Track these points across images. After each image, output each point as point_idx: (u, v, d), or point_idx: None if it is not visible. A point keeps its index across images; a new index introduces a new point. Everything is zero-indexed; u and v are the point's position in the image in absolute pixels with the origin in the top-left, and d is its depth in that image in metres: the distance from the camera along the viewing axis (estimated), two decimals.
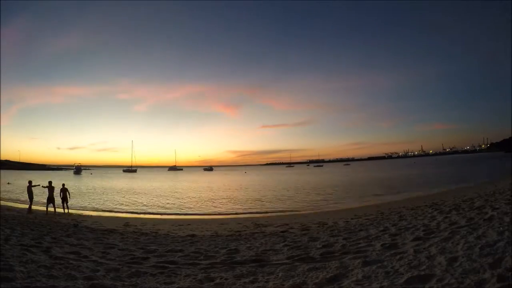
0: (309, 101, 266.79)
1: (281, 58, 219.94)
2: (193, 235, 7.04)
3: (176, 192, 24.30)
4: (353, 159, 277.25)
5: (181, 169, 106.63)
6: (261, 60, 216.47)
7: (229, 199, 18.39)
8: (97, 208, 15.27)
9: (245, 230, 7.63)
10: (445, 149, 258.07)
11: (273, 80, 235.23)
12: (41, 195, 18.41)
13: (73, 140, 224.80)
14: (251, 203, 16.37)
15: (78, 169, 75.32)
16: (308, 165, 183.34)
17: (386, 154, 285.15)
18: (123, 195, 21.74)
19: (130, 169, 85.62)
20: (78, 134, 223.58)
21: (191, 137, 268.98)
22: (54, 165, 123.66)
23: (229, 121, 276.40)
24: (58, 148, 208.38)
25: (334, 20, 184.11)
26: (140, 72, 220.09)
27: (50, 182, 12.79)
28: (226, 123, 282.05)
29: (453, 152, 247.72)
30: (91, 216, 11.91)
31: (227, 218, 11.45)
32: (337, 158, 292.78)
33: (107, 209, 15.00)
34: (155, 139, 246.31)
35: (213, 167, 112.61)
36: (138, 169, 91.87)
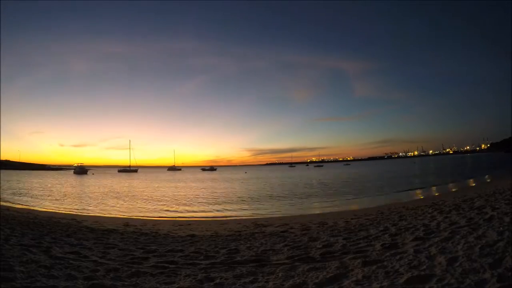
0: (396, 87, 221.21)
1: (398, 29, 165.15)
2: (193, 235, 7.04)
3: None
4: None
5: (180, 169, 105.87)
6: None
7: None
8: None
9: (245, 230, 7.63)
10: (445, 149, 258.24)
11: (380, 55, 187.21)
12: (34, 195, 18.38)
13: (79, 135, 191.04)
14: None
15: (81, 169, 69.52)
16: (308, 165, 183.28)
17: (386, 154, 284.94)
18: None
19: (128, 169, 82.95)
20: (87, 128, 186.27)
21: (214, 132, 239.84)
22: (54, 165, 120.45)
23: (289, 109, 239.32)
24: (61, 145, 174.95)
25: None
26: (213, 26, 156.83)
27: None
28: (283, 112, 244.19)
29: (453, 152, 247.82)
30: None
31: (227, 218, 11.45)
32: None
33: None
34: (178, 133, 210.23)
35: (215, 167, 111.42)
36: (139, 169, 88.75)
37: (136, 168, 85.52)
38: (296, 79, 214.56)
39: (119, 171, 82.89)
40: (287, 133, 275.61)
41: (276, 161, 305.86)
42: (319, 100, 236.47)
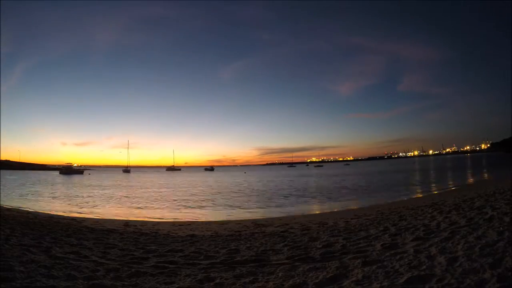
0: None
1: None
2: (193, 235, 7.04)
3: None
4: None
5: (179, 169, 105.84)
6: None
7: None
8: None
9: (245, 230, 7.63)
10: (445, 149, 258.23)
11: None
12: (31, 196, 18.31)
13: (82, 132, 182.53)
14: None
15: (67, 169, 64.50)
16: (308, 165, 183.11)
17: (386, 154, 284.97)
18: None
19: (126, 169, 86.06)
20: (90, 125, 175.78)
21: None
22: (54, 165, 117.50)
23: (326, 103, 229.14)
24: (63, 144, 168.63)
25: None
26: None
27: None
28: (317, 106, 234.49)
29: (453, 152, 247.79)
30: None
31: (227, 218, 11.45)
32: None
33: None
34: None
35: (213, 167, 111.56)
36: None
37: (129, 169, 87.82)
38: (350, 66, 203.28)
39: (123, 171, 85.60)
40: (307, 130, 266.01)
41: (277, 161, 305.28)
42: (361, 93, 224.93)
